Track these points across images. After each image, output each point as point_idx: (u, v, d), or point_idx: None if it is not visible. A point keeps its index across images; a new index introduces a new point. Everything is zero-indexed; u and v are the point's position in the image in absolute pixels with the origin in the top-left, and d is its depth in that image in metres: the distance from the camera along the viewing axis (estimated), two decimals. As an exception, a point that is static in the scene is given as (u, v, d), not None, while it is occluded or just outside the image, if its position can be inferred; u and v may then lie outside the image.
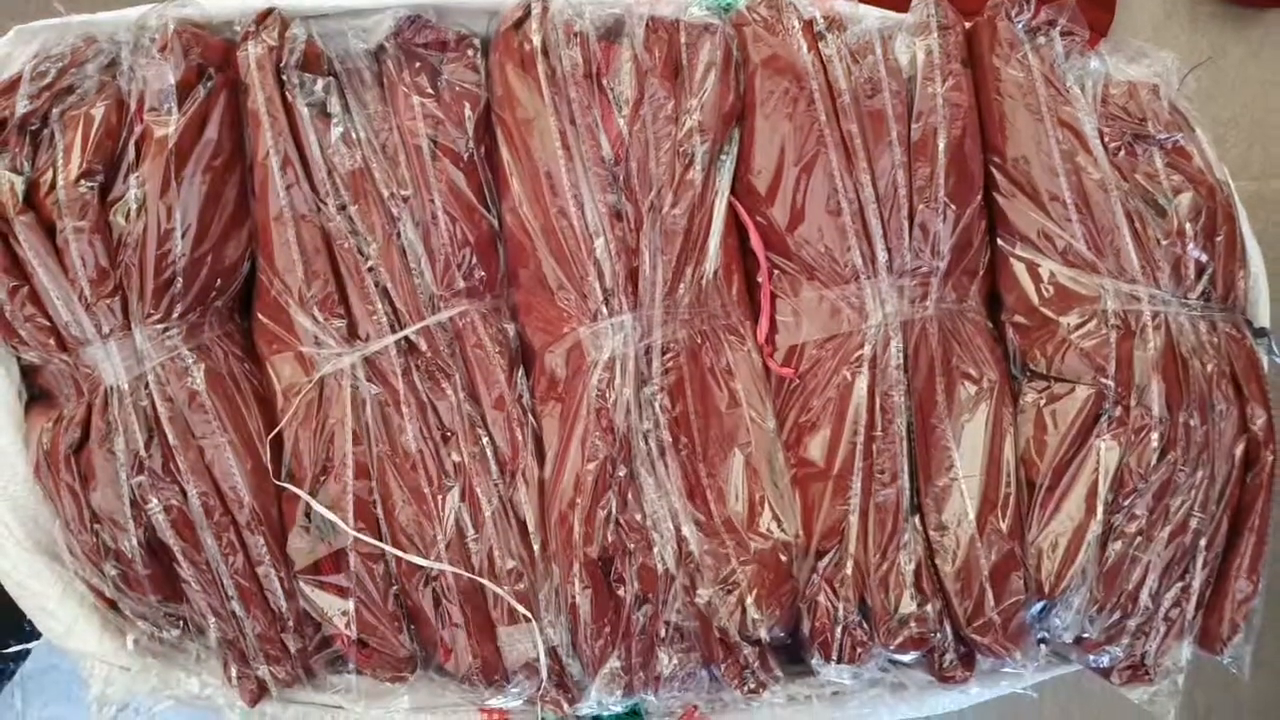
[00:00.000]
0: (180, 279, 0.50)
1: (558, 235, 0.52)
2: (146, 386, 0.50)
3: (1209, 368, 0.53)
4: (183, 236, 0.50)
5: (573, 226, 0.52)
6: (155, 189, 0.49)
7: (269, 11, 0.52)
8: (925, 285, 0.54)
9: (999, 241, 0.57)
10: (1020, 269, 0.55)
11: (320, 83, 0.52)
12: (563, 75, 0.52)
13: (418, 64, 0.53)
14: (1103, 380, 0.52)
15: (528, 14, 0.53)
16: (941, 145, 0.53)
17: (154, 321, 0.50)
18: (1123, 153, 0.55)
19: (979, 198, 0.55)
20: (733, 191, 0.55)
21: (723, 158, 0.55)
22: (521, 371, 0.55)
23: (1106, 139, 0.55)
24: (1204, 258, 0.54)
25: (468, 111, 0.53)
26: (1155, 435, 0.52)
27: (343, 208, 0.52)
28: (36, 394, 0.55)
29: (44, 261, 0.49)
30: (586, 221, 0.52)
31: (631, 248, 0.52)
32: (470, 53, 0.54)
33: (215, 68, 0.52)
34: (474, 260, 0.53)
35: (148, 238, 0.49)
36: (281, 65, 0.51)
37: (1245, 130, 0.88)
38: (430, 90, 0.53)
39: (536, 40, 0.52)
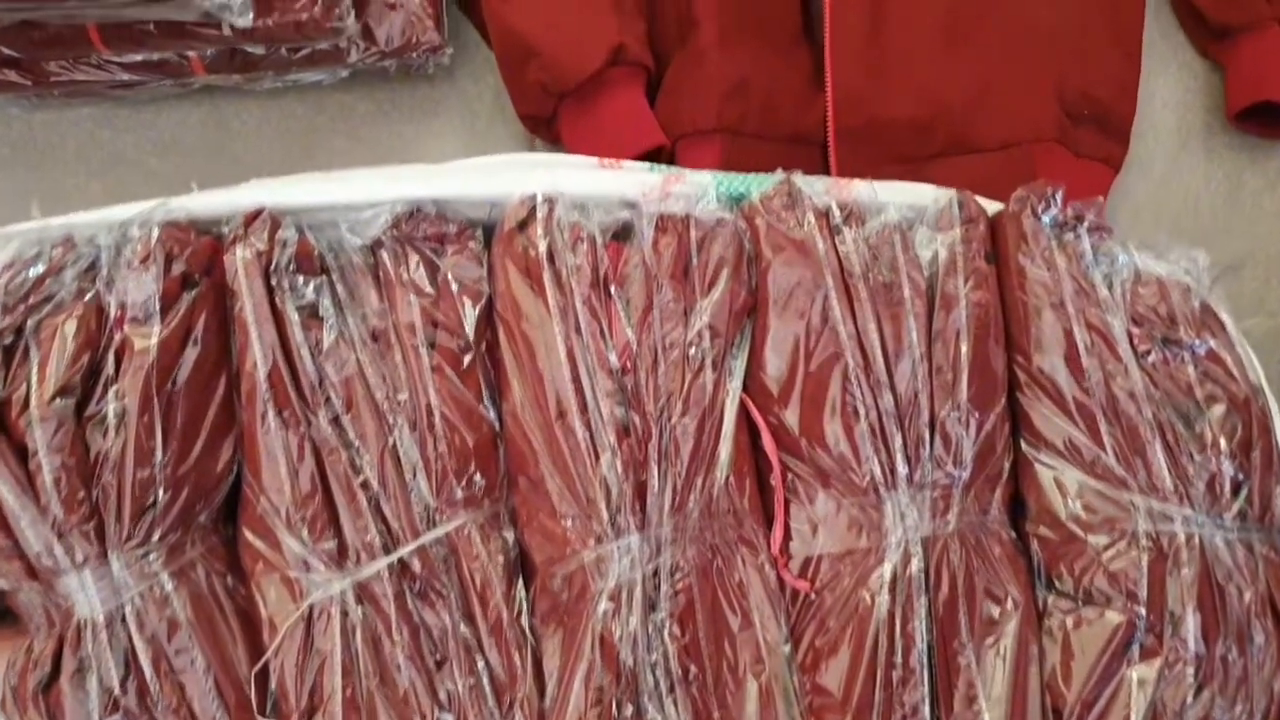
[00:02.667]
0: (161, 500, 0.48)
1: (562, 452, 0.49)
2: (123, 619, 0.47)
3: (1246, 596, 0.51)
4: (164, 455, 0.47)
5: (578, 444, 0.49)
6: (135, 405, 0.47)
7: (258, 213, 0.49)
8: (947, 497, 0.51)
9: (1023, 445, 0.54)
10: (1046, 478, 0.53)
11: (312, 284, 0.49)
12: (568, 282, 0.49)
13: (416, 258, 0.51)
14: (1134, 607, 0.50)
15: (532, 215, 0.50)
16: (964, 349, 0.51)
17: (133, 547, 0.47)
18: (1153, 357, 0.53)
19: (1003, 400, 0.53)
20: (744, 388, 0.53)
21: (735, 351, 0.52)
22: (521, 583, 0.52)
23: (1136, 342, 0.53)
24: (1240, 475, 0.52)
25: (468, 309, 0.51)
26: (1191, 670, 0.49)
27: (335, 419, 0.49)
28: (5, 611, 0.52)
29: (13, 488, 0.46)
30: (592, 436, 0.49)
31: (640, 460, 0.50)
32: (472, 245, 0.52)
33: (201, 272, 0.49)
34: (473, 467, 0.51)
35: (126, 457, 0.47)
36: (271, 268, 0.49)
37: (1262, 264, 0.86)
38: (429, 289, 0.51)
39: (542, 246, 0.49)
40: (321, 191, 0.49)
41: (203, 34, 0.68)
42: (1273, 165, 0.86)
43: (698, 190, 0.52)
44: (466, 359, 0.50)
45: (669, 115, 0.74)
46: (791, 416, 0.51)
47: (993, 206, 0.57)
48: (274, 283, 0.49)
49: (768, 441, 0.52)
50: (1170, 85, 0.85)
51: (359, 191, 0.49)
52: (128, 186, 0.79)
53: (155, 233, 0.47)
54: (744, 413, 0.53)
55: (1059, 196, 0.53)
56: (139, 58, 0.72)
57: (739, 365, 0.52)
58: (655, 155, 0.74)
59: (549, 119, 0.75)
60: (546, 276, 0.49)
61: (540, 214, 0.50)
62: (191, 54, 0.73)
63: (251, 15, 0.64)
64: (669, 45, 0.76)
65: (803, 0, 0.77)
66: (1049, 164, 0.77)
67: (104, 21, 0.67)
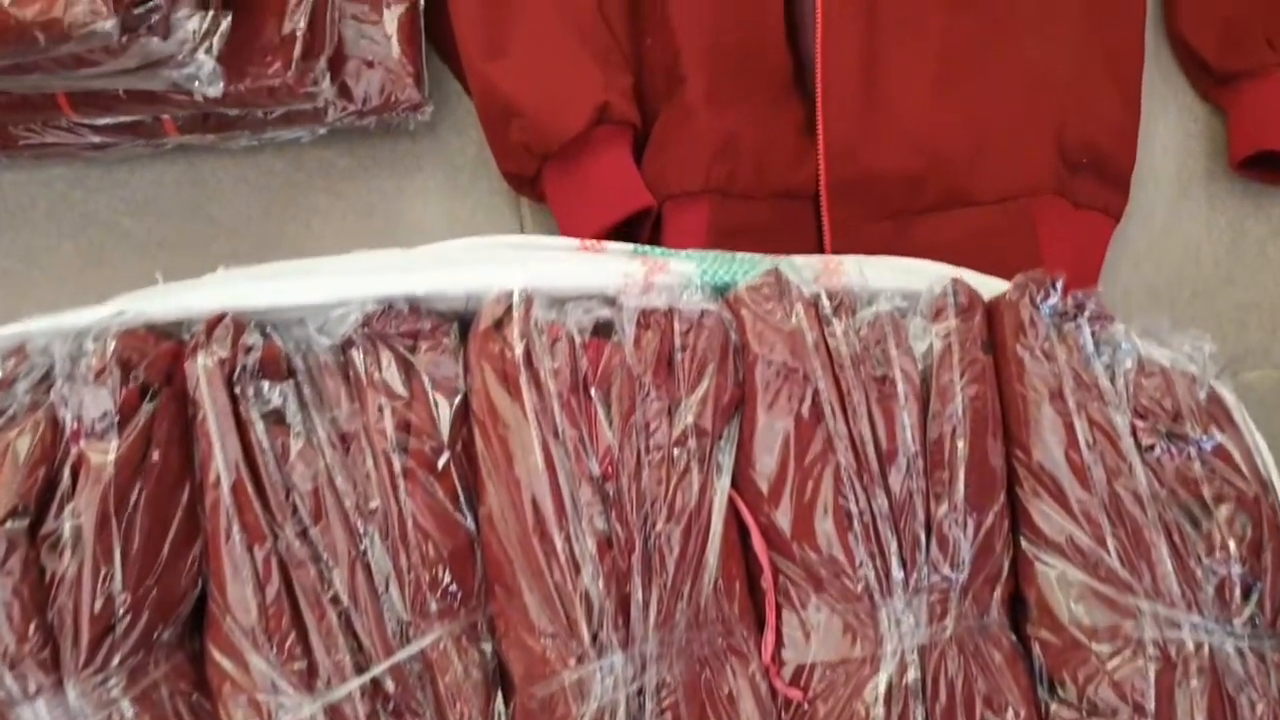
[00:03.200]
0: (121, 622, 0.45)
1: (540, 565, 0.47)
2: (80, 752, 0.45)
3: (1260, 709, 0.49)
4: (124, 574, 0.45)
5: (557, 556, 0.47)
6: (92, 525, 0.44)
7: (220, 318, 0.47)
8: (944, 601, 0.49)
9: (1023, 542, 0.52)
10: (1047, 578, 0.51)
11: (278, 390, 0.47)
12: (547, 385, 0.47)
13: (388, 356, 0.49)
14: (1141, 720, 0.48)
15: (508, 314, 0.48)
16: (961, 446, 0.49)
17: (90, 674, 0.45)
18: (1158, 451, 0.51)
19: (1002, 496, 0.51)
20: (733, 484, 0.51)
21: (722, 445, 0.50)
22: (500, 697, 0.50)
23: (1140, 436, 0.50)
24: (1250, 578, 0.50)
25: (443, 408, 0.49)
26: (1202, 789, 0.47)
27: (303, 532, 0.47)
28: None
29: (-37, 617, 0.44)
30: (572, 548, 0.47)
31: (623, 572, 0.48)
32: (446, 340, 0.50)
33: (161, 381, 0.47)
34: (448, 577, 0.49)
35: (83, 580, 0.45)
36: (234, 376, 0.46)
37: (1267, 314, 0.84)
38: (401, 390, 0.49)
39: (518, 348, 0.47)
40: (289, 291, 0.47)
41: (174, 99, 0.66)
42: (1277, 212, 0.84)
43: (681, 280, 0.50)
44: (441, 461, 0.48)
45: (656, 175, 0.72)
46: (782, 517, 0.49)
47: (989, 284, 0.55)
48: (238, 390, 0.47)
49: (758, 542, 0.50)
50: (1170, 130, 0.83)
51: (329, 291, 0.47)
52: (100, 248, 0.77)
53: (111, 345, 0.45)
54: (733, 509, 0.51)
55: (1059, 285, 0.51)
56: (110, 121, 0.70)
57: (727, 461, 0.50)
58: (643, 214, 0.72)
59: (533, 178, 0.73)
60: (523, 380, 0.47)
61: (517, 313, 0.48)
62: (164, 116, 0.71)
63: (221, 84, 0.62)
64: (657, 96, 0.74)
65: (793, 48, 0.75)
66: (1048, 216, 0.75)
67: (72, 89, 0.65)
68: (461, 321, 0.51)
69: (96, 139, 0.71)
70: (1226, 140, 0.82)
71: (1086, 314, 0.51)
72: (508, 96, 0.70)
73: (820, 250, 0.74)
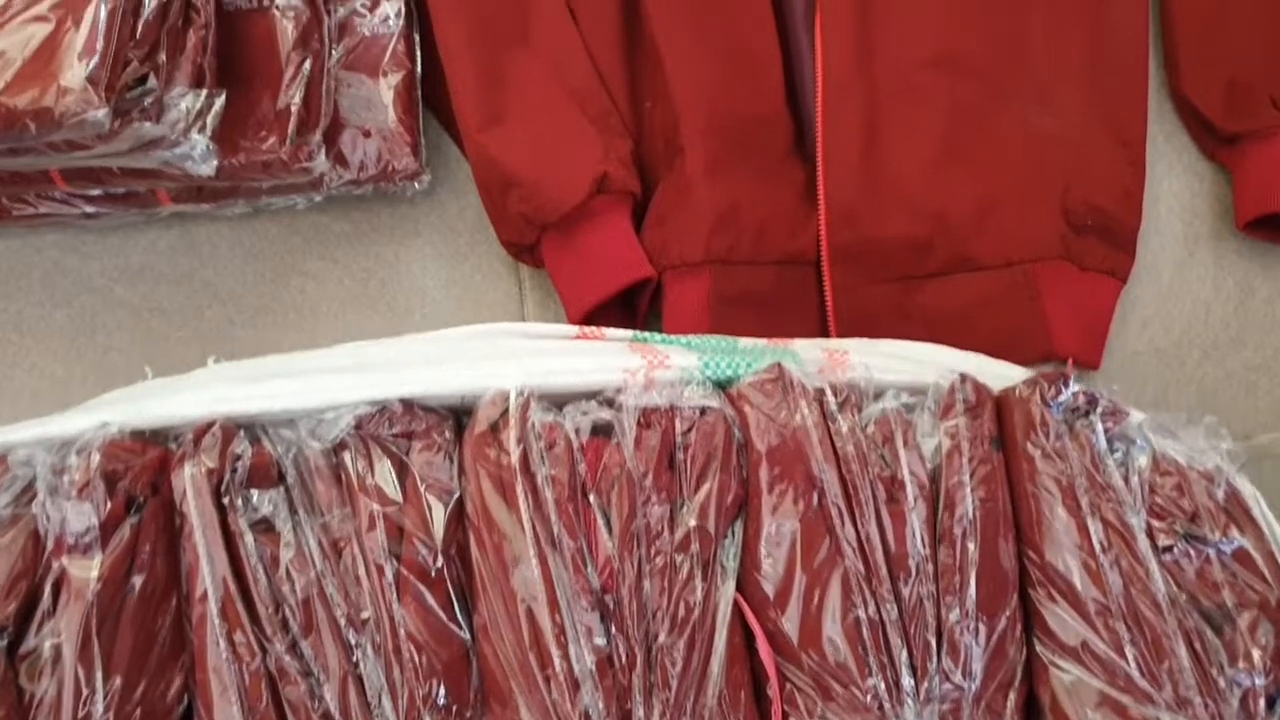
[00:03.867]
0: (102, 744, 0.44)
1: (536, 683, 0.46)
2: None
3: (1283, 827, 0.47)
4: (106, 695, 0.44)
5: (554, 673, 0.45)
6: (73, 645, 0.43)
7: (209, 426, 0.46)
8: (957, 711, 0.48)
9: (1038, 646, 0.51)
10: (1062, 684, 0.49)
11: (267, 497, 0.46)
12: (544, 493, 0.46)
13: (381, 458, 0.47)
14: (1163, 839, 0.46)
15: (505, 417, 0.47)
16: (972, 549, 0.48)
17: (70, 799, 0.44)
18: (1175, 554, 0.49)
19: (1014, 598, 0.50)
20: (738, 586, 0.49)
21: (726, 545, 0.49)
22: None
23: (1157, 536, 0.49)
24: (1275, 689, 0.48)
25: (437, 511, 0.47)
26: None
27: (292, 645, 0.46)
28: None
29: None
30: (570, 665, 0.45)
31: (624, 687, 0.46)
32: (441, 439, 0.48)
33: (147, 492, 0.45)
34: (443, 690, 0.47)
35: (63, 702, 0.43)
36: (222, 487, 0.45)
37: (1277, 376, 0.83)
38: (394, 494, 0.47)
39: (515, 454, 0.46)
40: (280, 396, 0.46)
41: (168, 173, 0.65)
42: (1286, 272, 0.83)
43: (683, 376, 0.49)
44: (434, 568, 0.47)
45: (656, 245, 0.71)
46: (789, 623, 0.48)
47: (996, 370, 0.54)
48: (226, 500, 0.45)
49: (764, 649, 0.49)
50: (1176, 189, 0.82)
51: (320, 396, 0.46)
52: (93, 315, 0.76)
53: (96, 458, 0.44)
54: (737, 612, 0.49)
55: (1070, 381, 0.50)
56: (103, 192, 0.69)
57: (731, 564, 0.48)
58: (643, 282, 0.71)
59: (532, 245, 0.72)
60: (519, 488, 0.46)
61: (514, 417, 0.46)
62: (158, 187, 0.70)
63: (215, 162, 0.61)
64: (656, 160, 0.74)
65: (793, 111, 0.74)
66: (1053, 281, 0.74)
67: (65, 166, 0.64)
68: (457, 416, 0.49)
69: (90, 209, 0.71)
70: (1232, 200, 0.81)
71: (1099, 410, 0.50)
72: (505, 167, 0.69)
73: (823, 315, 0.73)
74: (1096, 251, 0.75)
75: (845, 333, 0.73)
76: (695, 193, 0.70)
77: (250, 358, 0.75)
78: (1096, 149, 0.75)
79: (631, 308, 0.74)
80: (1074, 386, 0.49)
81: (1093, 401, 0.50)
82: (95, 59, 0.54)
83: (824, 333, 0.73)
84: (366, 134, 0.70)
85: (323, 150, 0.66)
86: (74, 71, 0.53)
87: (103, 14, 0.55)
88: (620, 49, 0.75)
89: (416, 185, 0.73)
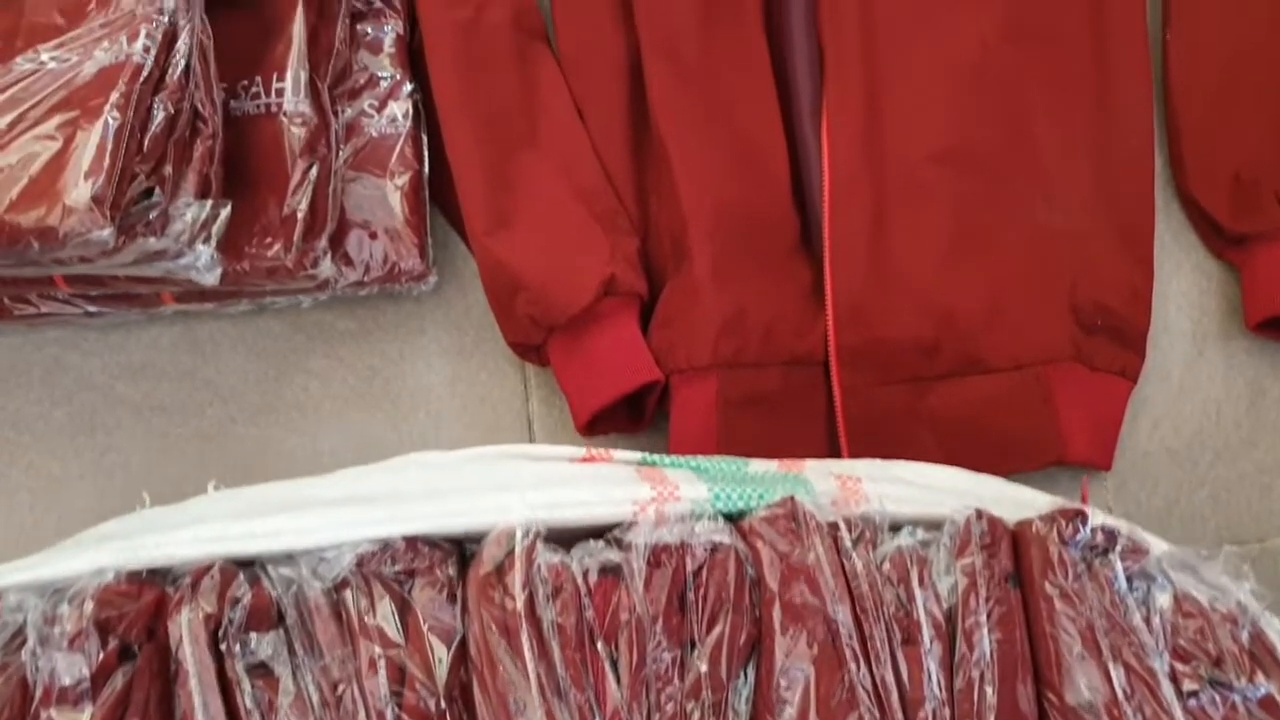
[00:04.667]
0: None
1: (543, 839, 0.44)
2: None
3: None
4: None
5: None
6: (62, 804, 0.41)
7: (207, 569, 0.45)
8: None
9: (1058, 793, 0.49)
10: (1086, 836, 0.48)
11: (266, 641, 0.44)
12: (550, 642, 0.45)
13: (383, 597, 0.46)
14: None
15: (510, 558, 0.46)
16: (990, 693, 0.46)
17: None
18: (1200, 700, 0.48)
19: (1034, 742, 0.48)
20: (750, 723, 0.48)
21: (738, 687, 0.47)
22: None
23: (1180, 680, 0.48)
24: (1304, 845, 0.47)
25: (440, 653, 0.46)
26: None
27: (288, 798, 0.44)
28: None
29: None
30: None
31: (631, 841, 0.44)
32: (444, 576, 0.47)
33: (142, 639, 0.44)
34: (443, 841, 0.45)
35: None
36: (220, 632, 0.44)
37: (1291, 478, 0.82)
38: (395, 636, 0.46)
39: (520, 598, 0.45)
40: (282, 535, 0.45)
41: (171, 278, 0.65)
42: (1297, 372, 0.82)
43: (693, 508, 0.48)
44: (435, 712, 0.45)
45: (663, 348, 0.70)
46: (802, 771, 0.46)
47: (1013, 494, 0.53)
48: (223, 646, 0.44)
49: (775, 796, 0.47)
50: (1184, 287, 0.81)
51: (320, 535, 0.45)
52: (93, 414, 0.75)
53: (89, 607, 0.42)
54: (748, 753, 0.48)
55: (1088, 519, 0.49)
56: (106, 293, 0.69)
57: (744, 708, 0.47)
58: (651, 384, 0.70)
59: (538, 346, 0.72)
60: (524, 634, 0.44)
61: (519, 560, 0.45)
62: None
63: (219, 271, 0.61)
64: (663, 258, 0.73)
65: (799, 207, 0.74)
66: (1064, 383, 0.73)
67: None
68: (461, 547, 0.48)
69: (93, 308, 0.70)
70: (1241, 299, 0.81)
71: (1119, 548, 0.49)
72: (512, 270, 0.68)
73: (832, 418, 0.73)
74: (1106, 352, 0.74)
75: (855, 436, 0.72)
76: (702, 296, 0.69)
77: (252, 456, 0.75)
78: (1104, 247, 0.75)
79: (639, 408, 0.73)
80: (1093, 522, 0.48)
81: (1112, 539, 0.49)
82: (101, 178, 0.53)
83: (833, 436, 0.72)
84: (373, 235, 0.70)
85: (328, 255, 0.66)
86: (79, 190, 0.53)
87: (110, 132, 0.55)
88: (627, 147, 0.75)
89: (423, 287, 0.73)
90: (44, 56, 0.58)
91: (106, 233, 0.53)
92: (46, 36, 0.59)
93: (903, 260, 0.72)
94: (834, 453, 0.73)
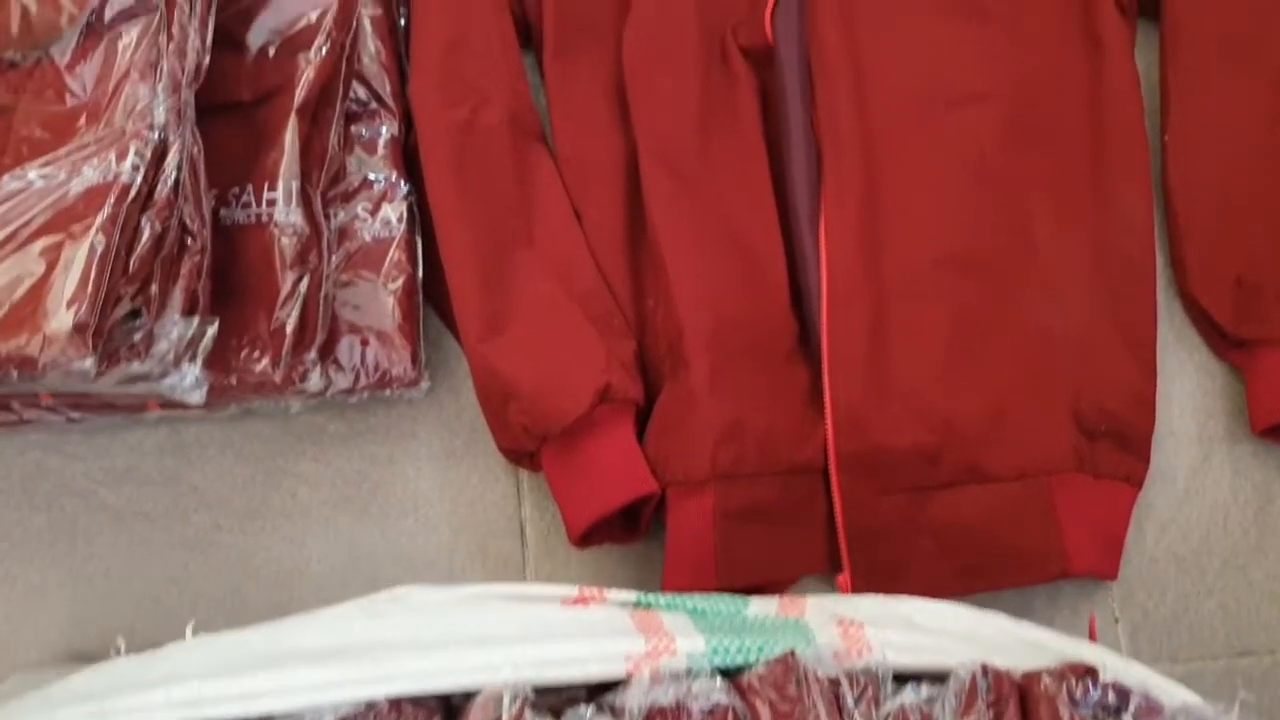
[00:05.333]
0: None
1: None
2: None
3: None
4: None
5: None
6: None
7: (180, 740, 0.43)
8: None
9: None
10: None
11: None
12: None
13: (365, 760, 0.44)
14: None
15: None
16: None
17: None
18: None
19: None
20: None
21: None
22: None
23: None
24: None
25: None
26: None
27: None
28: None
29: None
30: None
31: None
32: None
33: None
34: None
35: None
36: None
37: (1301, 585, 0.80)
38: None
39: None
40: (260, 699, 0.43)
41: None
42: (1306, 475, 0.81)
43: (689, 664, 0.46)
44: None
45: (659, 459, 0.69)
46: None
47: (1020, 634, 0.51)
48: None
49: None
50: (1188, 390, 0.80)
51: (302, 695, 0.43)
52: (74, 520, 0.74)
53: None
54: None
55: (1099, 677, 0.47)
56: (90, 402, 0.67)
57: None
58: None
59: (531, 453, 0.70)
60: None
61: (507, 725, 0.43)
62: (146, 398, 0.68)
63: (205, 389, 0.59)
64: (660, 362, 0.72)
65: (797, 311, 0.73)
66: (1068, 494, 0.72)
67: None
68: (447, 704, 0.46)
69: (76, 414, 0.69)
70: (1246, 403, 0.79)
71: (1131, 708, 0.47)
72: (505, 378, 0.67)
73: (831, 527, 0.71)
74: (1110, 458, 0.73)
75: (857, 547, 0.71)
76: (699, 406, 0.68)
77: (237, 565, 0.73)
78: (1107, 350, 0.74)
79: (634, 518, 0.71)
80: (1105, 678, 0.46)
81: (1124, 698, 0.47)
82: (84, 305, 0.52)
83: (834, 546, 0.71)
84: (365, 342, 0.69)
85: (317, 367, 0.65)
86: (60, 319, 0.52)
87: (96, 256, 0.54)
88: (624, 247, 0.75)
89: (414, 394, 0.71)
90: (31, 174, 0.57)
91: (88, 363, 0.52)
92: (35, 153, 0.58)
93: (902, 365, 0.71)
94: (834, 564, 0.71)
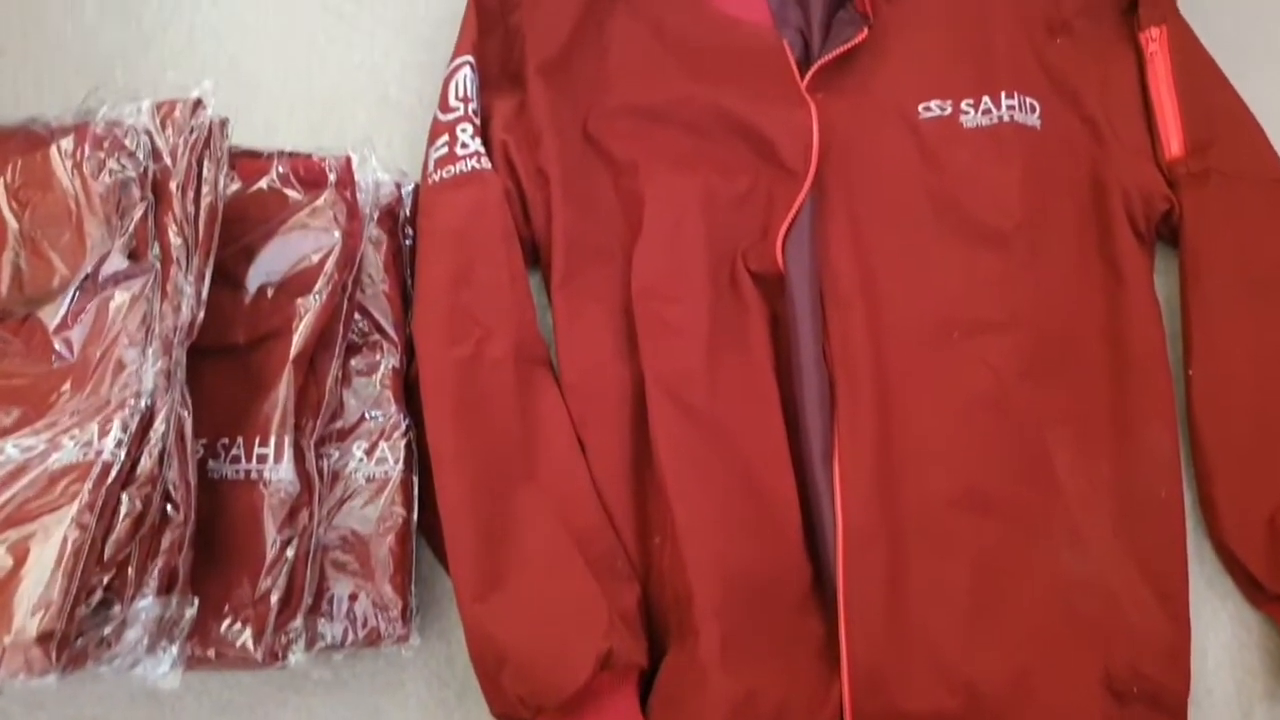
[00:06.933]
0: None
1: None
2: None
3: None
4: None
5: None
6: None
7: None
8: None
9: None
10: None
11: None
12: None
13: None
14: None
15: None
16: None
17: None
18: None
19: None
20: None
21: None
22: None
23: None
24: None
25: None
26: None
27: None
28: None
29: None
30: None
31: None
32: None
33: None
34: None
35: None
36: None
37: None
38: None
39: None
40: None
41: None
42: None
43: None
44: None
45: (664, 728, 0.64)
46: None
47: None
48: None
49: None
50: (1224, 640, 0.76)
51: None
52: (34, 779, 0.68)
53: None
54: None
55: None
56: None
57: None
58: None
59: (528, 720, 0.65)
60: None
61: None
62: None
63: (180, 672, 0.55)
64: (666, 612, 0.68)
65: (811, 551, 0.69)
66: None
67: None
68: None
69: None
70: (1286, 661, 0.75)
71: None
72: (500, 643, 0.63)
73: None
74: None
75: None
76: (709, 679, 0.64)
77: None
78: (1135, 602, 0.70)
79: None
80: None
81: None
82: (50, 612, 0.48)
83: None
84: (354, 597, 0.65)
85: (302, 639, 0.60)
86: (23, 628, 0.48)
87: (68, 550, 0.50)
88: (629, 480, 0.72)
89: (403, 651, 0.67)
90: (9, 447, 0.54)
91: (51, 677, 0.47)
92: (13, 404, 0.55)
93: (922, 619, 0.67)
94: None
